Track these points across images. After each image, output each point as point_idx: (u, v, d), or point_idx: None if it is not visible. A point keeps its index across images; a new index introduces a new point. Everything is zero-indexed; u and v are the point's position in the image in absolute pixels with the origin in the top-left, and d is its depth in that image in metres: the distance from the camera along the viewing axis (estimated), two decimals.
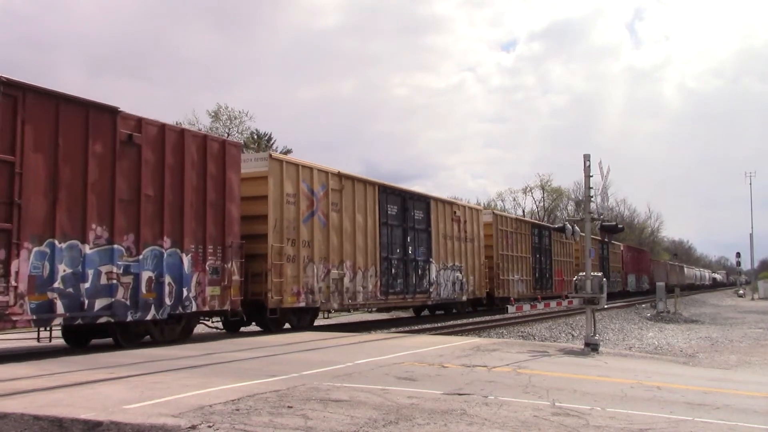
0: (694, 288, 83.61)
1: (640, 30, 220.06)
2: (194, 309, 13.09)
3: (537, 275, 32.95)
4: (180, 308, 12.69)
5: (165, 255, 12.36)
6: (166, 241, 12.45)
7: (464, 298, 24.88)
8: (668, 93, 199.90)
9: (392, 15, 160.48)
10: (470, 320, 23.21)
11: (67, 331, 12.31)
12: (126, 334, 12.12)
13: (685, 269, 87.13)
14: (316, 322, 18.49)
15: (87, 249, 10.88)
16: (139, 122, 12.18)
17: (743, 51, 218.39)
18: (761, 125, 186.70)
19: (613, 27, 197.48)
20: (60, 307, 10.43)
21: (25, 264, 9.97)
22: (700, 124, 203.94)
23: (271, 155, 16.04)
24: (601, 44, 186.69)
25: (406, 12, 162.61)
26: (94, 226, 11.04)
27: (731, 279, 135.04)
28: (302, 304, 16.35)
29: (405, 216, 20.92)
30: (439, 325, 20.31)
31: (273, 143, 50.86)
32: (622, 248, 50.86)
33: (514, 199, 76.84)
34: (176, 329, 13.17)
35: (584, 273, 13.69)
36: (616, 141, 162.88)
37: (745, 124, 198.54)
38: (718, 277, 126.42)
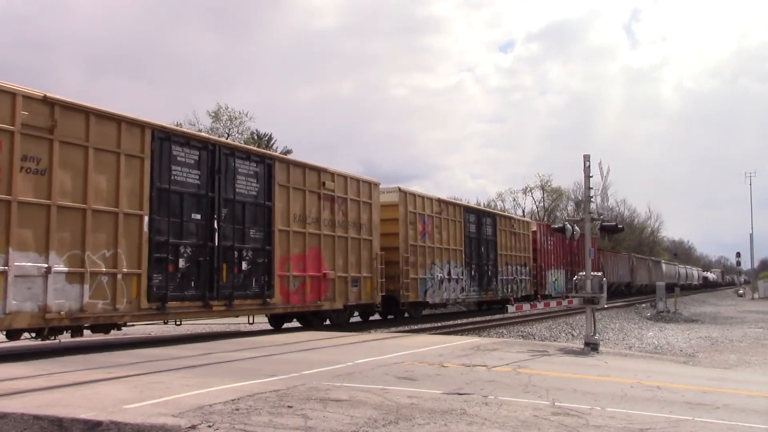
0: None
1: (638, 31, 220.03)
2: None
3: (215, 269, 13.90)
4: None
5: None
6: None
7: None
8: (666, 93, 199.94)
9: (391, 16, 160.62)
10: (470, 320, 23.21)
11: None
12: None
13: (664, 265, 69.74)
14: None
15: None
16: None
17: (740, 51, 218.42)
18: (760, 125, 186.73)
19: (611, 28, 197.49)
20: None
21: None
22: (698, 125, 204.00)
23: None
24: (598, 45, 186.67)
25: (405, 13, 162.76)
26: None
27: (727, 278, 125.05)
28: None
29: None
30: (439, 324, 20.30)
31: (273, 143, 50.88)
32: (534, 228, 32.86)
33: (514, 200, 76.69)
34: None
35: (584, 272, 13.69)
36: (615, 141, 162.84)
37: (744, 125, 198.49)
38: (710, 276, 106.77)
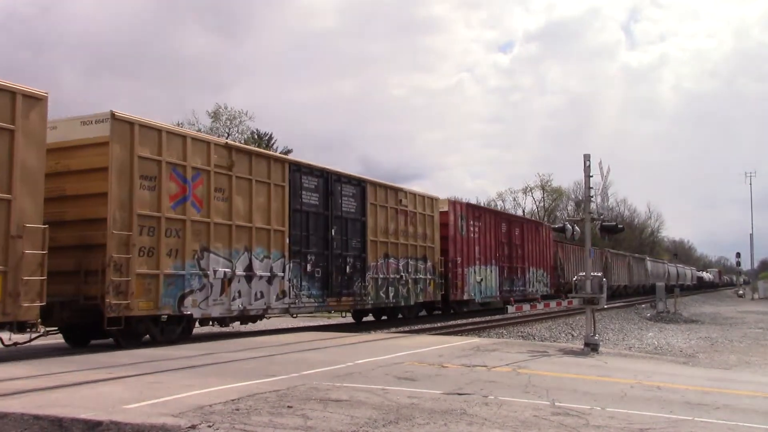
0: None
1: (636, 31, 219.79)
2: None
3: None
4: None
5: None
6: None
7: None
8: (665, 93, 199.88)
9: (390, 16, 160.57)
10: (470, 320, 23.18)
11: None
12: None
13: (649, 263, 60.28)
14: None
15: None
16: None
17: (738, 52, 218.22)
18: (760, 125, 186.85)
19: (609, 28, 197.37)
20: None
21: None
22: (697, 125, 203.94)
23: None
24: (597, 45, 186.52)
25: (404, 13, 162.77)
26: None
27: (725, 279, 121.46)
28: None
29: None
30: (439, 325, 20.29)
31: (274, 143, 50.93)
32: (445, 208, 23.43)
33: (515, 199, 76.88)
34: None
35: (584, 273, 13.70)
36: (614, 141, 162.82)
37: (743, 125, 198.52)
38: (706, 276, 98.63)
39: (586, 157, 13.56)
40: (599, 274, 13.90)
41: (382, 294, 19.62)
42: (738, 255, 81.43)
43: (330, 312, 19.99)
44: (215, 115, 47.62)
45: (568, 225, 16.17)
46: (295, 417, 5.84)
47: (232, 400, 6.47)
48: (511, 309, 17.49)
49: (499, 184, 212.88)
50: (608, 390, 8.14)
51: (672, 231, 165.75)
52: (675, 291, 40.42)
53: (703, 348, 18.03)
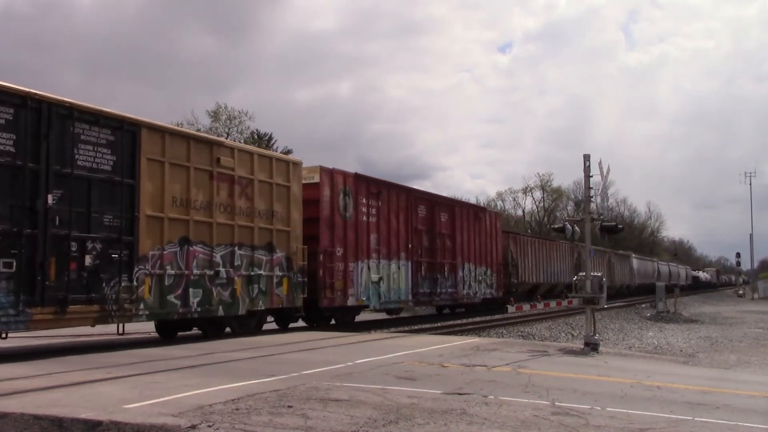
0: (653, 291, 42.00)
1: (635, 31, 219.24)
2: None
3: None
4: None
5: None
6: None
7: None
8: (664, 94, 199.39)
9: (389, 17, 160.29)
10: (470, 320, 23.18)
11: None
12: None
13: (635, 261, 54.11)
14: None
15: None
16: None
17: (738, 52, 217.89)
18: (759, 126, 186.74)
19: (608, 28, 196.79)
20: None
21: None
22: (696, 125, 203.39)
23: None
24: (596, 45, 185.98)
25: (403, 14, 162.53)
26: None
27: (723, 278, 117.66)
28: None
29: None
30: (439, 324, 20.30)
31: (274, 143, 50.90)
32: (316, 178, 16.99)
33: (514, 199, 77.00)
34: None
35: (584, 273, 13.71)
36: (614, 141, 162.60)
37: (743, 125, 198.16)
38: (702, 275, 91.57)
39: (586, 157, 13.57)
40: (599, 274, 13.90)
41: (174, 299, 12.74)
42: (738, 255, 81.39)
43: (27, 329, 10.58)
44: (215, 115, 47.65)
45: (568, 225, 16.16)
46: (295, 417, 5.84)
47: (232, 400, 6.47)
48: (511, 309, 17.50)
49: (499, 184, 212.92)
50: (608, 390, 8.14)
51: (672, 231, 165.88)
52: (675, 291, 40.34)
53: (703, 348, 18.03)
